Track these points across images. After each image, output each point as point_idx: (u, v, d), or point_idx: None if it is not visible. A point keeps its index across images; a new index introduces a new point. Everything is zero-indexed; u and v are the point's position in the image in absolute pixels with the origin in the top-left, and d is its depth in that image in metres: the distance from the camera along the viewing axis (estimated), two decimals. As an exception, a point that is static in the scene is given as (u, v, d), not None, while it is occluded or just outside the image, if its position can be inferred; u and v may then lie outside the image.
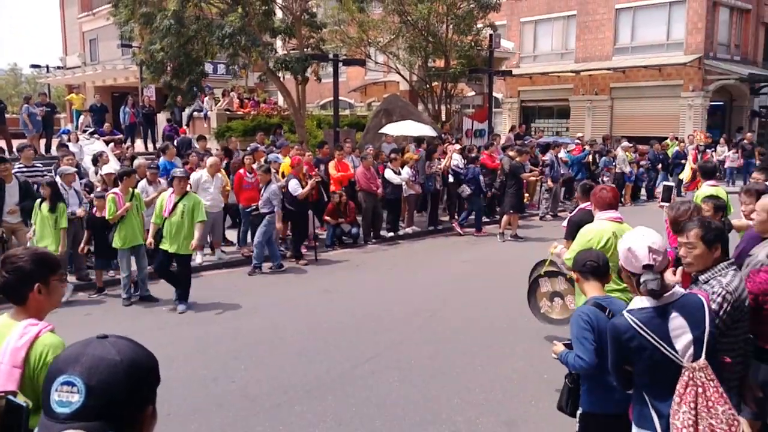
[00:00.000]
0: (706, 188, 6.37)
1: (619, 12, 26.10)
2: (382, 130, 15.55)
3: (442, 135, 16.66)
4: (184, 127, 19.80)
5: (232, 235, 11.69)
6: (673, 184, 14.42)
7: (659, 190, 16.22)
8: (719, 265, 3.19)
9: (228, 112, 19.80)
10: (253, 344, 6.83)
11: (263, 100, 22.79)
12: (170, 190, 8.40)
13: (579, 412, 3.46)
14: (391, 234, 12.80)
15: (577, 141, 17.98)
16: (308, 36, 16.63)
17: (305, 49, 15.91)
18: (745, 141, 21.43)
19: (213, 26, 14.02)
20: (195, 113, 20.27)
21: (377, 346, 6.73)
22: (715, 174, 7.17)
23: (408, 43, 19.85)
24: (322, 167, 12.39)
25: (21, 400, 1.84)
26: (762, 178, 6.64)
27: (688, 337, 2.77)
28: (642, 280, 2.83)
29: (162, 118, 19.88)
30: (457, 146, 14.76)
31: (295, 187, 10.59)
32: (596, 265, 3.52)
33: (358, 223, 12.32)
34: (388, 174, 12.51)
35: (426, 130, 15.39)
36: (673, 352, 2.76)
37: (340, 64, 16.45)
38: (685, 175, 16.24)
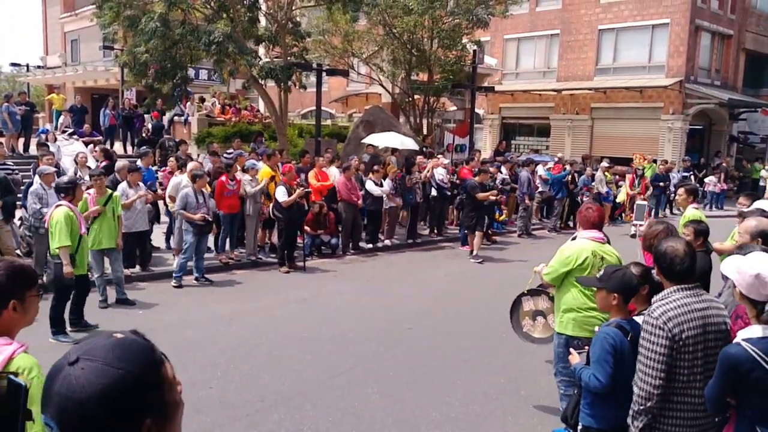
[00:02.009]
0: (692, 211, 6.43)
1: (602, 33, 26.49)
2: (364, 140, 15.57)
3: (424, 148, 16.71)
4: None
5: (209, 241, 11.54)
6: (645, 203, 14.66)
7: (634, 209, 16.51)
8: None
9: (208, 118, 19.67)
10: (231, 351, 6.74)
11: (245, 107, 22.70)
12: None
13: (579, 427, 3.49)
14: (370, 246, 12.77)
15: (556, 159, 18.17)
16: (292, 45, 16.64)
17: (288, 58, 15.90)
18: (725, 165, 21.84)
19: (200, 31, 13.95)
20: (176, 118, 20.12)
21: (355, 357, 6.68)
22: (697, 195, 7.25)
23: (392, 56, 19.94)
24: (302, 176, 12.34)
25: (21, 379, 1.77)
26: (747, 203, 6.76)
27: None
28: None
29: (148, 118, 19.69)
30: (444, 160, 14.81)
31: (282, 194, 10.53)
32: (631, 287, 3.49)
33: (337, 234, 12.27)
34: (369, 186, 12.49)
35: (408, 143, 15.43)
36: None
37: (324, 73, 16.47)
38: (621, 197, 16.46)
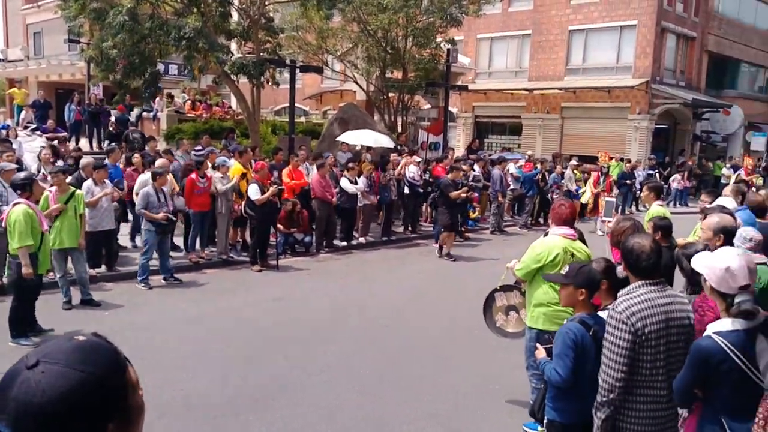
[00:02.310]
0: (657, 208, 6.54)
1: (572, 33, 26.83)
2: (340, 138, 15.50)
3: (399, 146, 16.71)
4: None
5: (178, 240, 11.37)
6: (614, 199, 14.90)
7: (602, 205, 16.71)
8: None
9: (178, 114, 19.36)
10: (200, 352, 6.64)
11: (216, 103, 22.41)
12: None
13: (545, 420, 3.54)
14: (345, 243, 12.72)
15: (526, 156, 18.34)
16: (265, 40, 16.46)
17: (261, 54, 15.73)
18: (690, 163, 22.29)
19: (169, 26, 13.69)
20: (144, 113, 19.76)
21: (328, 356, 6.63)
22: (661, 193, 7.38)
23: (366, 53, 19.88)
24: (275, 173, 12.22)
25: None
26: (709, 200, 6.89)
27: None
28: (737, 300, 2.80)
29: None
30: (416, 158, 14.82)
31: (255, 192, 10.41)
32: (596, 282, 3.56)
33: (310, 232, 12.19)
34: (344, 183, 12.44)
35: (382, 140, 15.40)
36: (759, 376, 2.77)
37: (297, 70, 16.34)
38: (586, 198, 16.68)
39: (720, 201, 6.17)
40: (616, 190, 18.09)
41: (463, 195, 12.31)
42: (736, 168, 23.25)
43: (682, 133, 27.91)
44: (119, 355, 1.23)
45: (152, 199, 9.22)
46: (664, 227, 5.21)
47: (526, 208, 16.37)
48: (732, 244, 4.27)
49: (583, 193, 17.17)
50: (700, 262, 3.04)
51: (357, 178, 12.67)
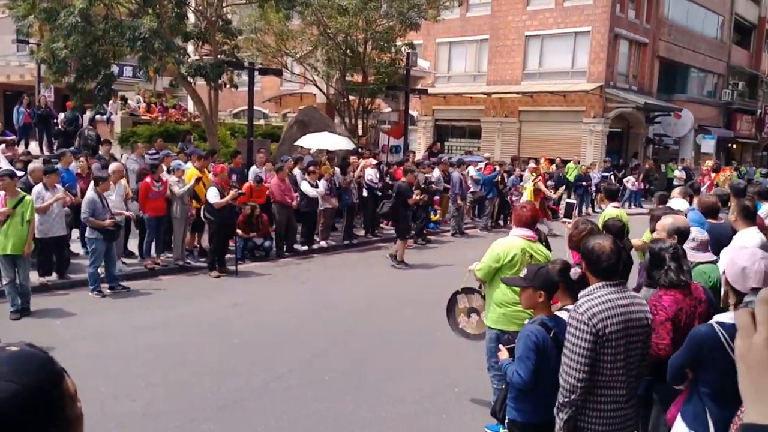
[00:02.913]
0: (612, 209, 6.67)
1: (529, 39, 27.27)
2: (297, 142, 15.38)
3: (359, 149, 16.69)
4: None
5: (133, 246, 11.10)
6: (574, 201, 15.15)
7: (561, 207, 16.95)
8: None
9: (133, 117, 18.92)
10: (157, 360, 6.47)
11: (172, 105, 22.00)
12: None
13: (506, 420, 3.57)
14: (305, 247, 12.61)
15: (485, 159, 18.53)
16: (222, 42, 16.24)
17: (219, 56, 15.51)
18: (647, 166, 22.87)
19: (123, 27, 13.37)
20: (98, 116, 19.25)
21: (290, 361, 6.55)
22: (617, 196, 7.54)
23: (326, 56, 19.82)
24: (234, 177, 12.05)
25: None
26: (657, 203, 7.09)
27: None
28: (746, 300, 2.94)
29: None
30: (372, 161, 14.80)
31: (214, 195, 10.23)
32: (555, 284, 3.61)
33: (270, 236, 12.05)
34: (305, 187, 12.33)
35: (342, 143, 15.35)
36: None
37: (256, 72, 16.17)
38: (524, 199, 16.90)
39: (672, 203, 6.33)
40: (558, 191, 18.24)
41: (419, 199, 12.16)
42: (687, 170, 23.95)
43: (635, 136, 28.65)
44: (55, 365, 1.16)
45: (98, 206, 8.89)
46: (615, 229, 5.30)
47: (486, 210, 16.53)
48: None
49: (524, 189, 17.40)
50: (727, 255, 3.28)
51: (317, 182, 12.58)
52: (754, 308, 0.91)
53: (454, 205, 15.36)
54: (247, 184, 11.89)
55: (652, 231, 4.96)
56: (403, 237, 11.57)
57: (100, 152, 13.43)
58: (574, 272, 3.60)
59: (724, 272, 3.18)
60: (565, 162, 21.59)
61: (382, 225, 14.94)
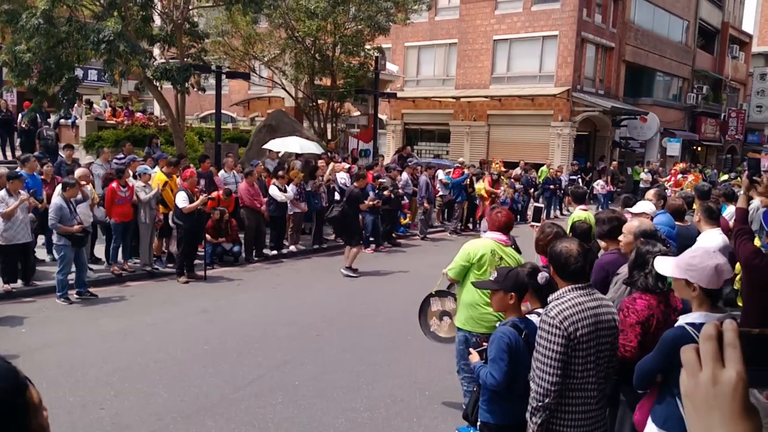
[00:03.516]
0: (579, 212, 6.78)
1: (497, 43, 27.56)
2: (266, 146, 15.30)
3: (328, 153, 16.67)
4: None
5: (100, 251, 10.91)
6: (542, 205, 15.32)
7: (530, 211, 17.13)
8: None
9: (98, 121, 18.60)
10: (125, 368, 6.37)
11: (138, 109, 21.68)
12: None
13: (478, 422, 3.59)
14: (275, 252, 12.54)
15: (458, 164, 18.63)
16: (189, 45, 16.07)
17: (185, 59, 15.34)
18: (611, 168, 23.27)
19: (88, 29, 13.14)
20: (62, 120, 18.88)
21: (260, 368, 6.51)
22: (584, 199, 7.66)
23: (294, 59, 19.75)
24: (203, 182, 11.93)
25: None
26: (622, 207, 7.23)
27: None
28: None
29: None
30: (344, 165, 14.79)
31: (183, 200, 10.11)
32: (525, 286, 3.65)
33: (239, 241, 11.96)
34: (273, 191, 12.27)
35: (311, 147, 15.31)
36: None
37: (223, 76, 16.04)
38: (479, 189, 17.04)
39: (640, 205, 6.44)
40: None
41: (372, 204, 12.07)
42: (653, 173, 24.44)
43: (602, 139, 29.12)
44: (18, 374, 1.14)
45: (65, 212, 8.73)
46: (581, 231, 5.38)
47: (455, 213, 16.64)
48: None
49: (512, 199, 17.55)
50: (680, 270, 3.10)
51: (286, 186, 12.53)
52: (699, 344, 0.91)
53: (420, 209, 15.41)
54: (216, 193, 11.79)
55: (599, 235, 5.02)
56: (354, 243, 11.13)
57: (59, 153, 13.16)
58: (542, 277, 3.65)
59: (689, 284, 3.10)
60: (537, 166, 21.87)
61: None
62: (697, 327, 2.95)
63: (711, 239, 5.42)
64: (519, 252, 5.12)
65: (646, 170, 24.87)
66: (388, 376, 6.39)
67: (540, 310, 3.39)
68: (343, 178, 14.05)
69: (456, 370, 5.20)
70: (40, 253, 10.39)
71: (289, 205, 12.58)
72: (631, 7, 29.11)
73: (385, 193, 13.74)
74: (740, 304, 7.63)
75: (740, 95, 43.42)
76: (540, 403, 3.05)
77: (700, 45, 36.82)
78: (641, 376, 3.16)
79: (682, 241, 5.98)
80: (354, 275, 10.99)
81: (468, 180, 16.62)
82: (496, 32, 27.42)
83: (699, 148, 37.63)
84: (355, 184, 11.95)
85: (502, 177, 17.45)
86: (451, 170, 17.39)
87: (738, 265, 5.09)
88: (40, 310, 8.42)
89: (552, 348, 3.04)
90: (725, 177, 24.88)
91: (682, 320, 3.09)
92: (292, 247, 13.02)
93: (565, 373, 3.05)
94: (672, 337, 3.02)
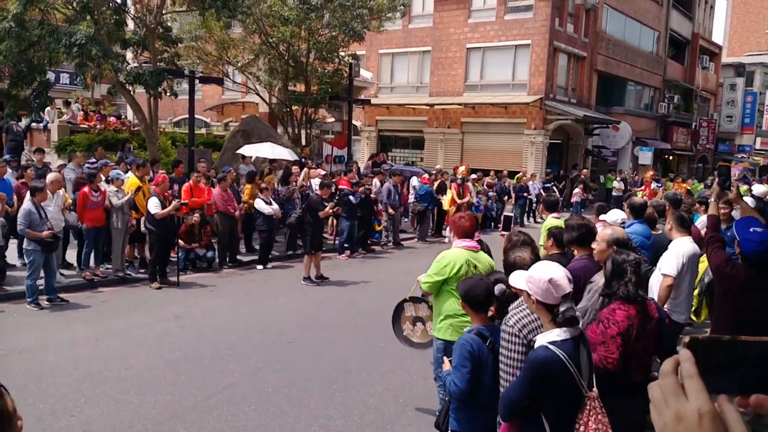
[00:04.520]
0: (552, 220, 6.90)
1: (470, 51, 27.82)
2: (239, 151, 15.26)
3: (302, 159, 16.68)
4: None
5: (71, 257, 10.78)
6: (512, 214, 15.53)
7: (502, 219, 17.35)
8: None
9: (70, 125, 18.36)
10: (96, 375, 6.33)
11: (112, 113, 21.43)
12: None
13: (449, 431, 3.62)
14: (249, 258, 12.49)
15: (434, 171, 18.77)
16: (162, 50, 15.98)
17: (159, 63, 15.25)
18: (582, 176, 23.62)
19: (60, 33, 13.00)
20: (33, 124, 18.61)
21: (232, 375, 6.51)
22: (557, 207, 7.77)
23: (268, 65, 19.74)
24: (176, 187, 11.86)
25: None
26: (596, 215, 7.38)
27: (588, 367, 2.93)
28: (562, 309, 2.85)
29: None
30: (320, 171, 14.80)
31: (155, 206, 10.03)
32: (483, 298, 3.66)
33: (213, 247, 11.90)
34: (260, 205, 12.07)
35: (285, 154, 15.31)
36: (584, 383, 2.88)
37: (197, 81, 15.98)
38: (445, 202, 17.26)
39: (611, 213, 6.54)
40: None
41: (331, 212, 12.03)
42: (626, 181, 24.84)
43: (574, 147, 29.51)
44: None
45: (35, 217, 8.62)
46: (555, 235, 5.47)
47: (425, 221, 16.73)
48: None
49: (486, 206, 17.72)
50: (519, 279, 3.09)
51: (271, 199, 12.40)
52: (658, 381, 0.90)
53: (385, 215, 15.45)
54: (185, 187, 11.70)
55: (567, 241, 5.10)
56: (311, 251, 10.99)
57: (33, 159, 13.00)
58: (499, 289, 3.70)
59: (529, 295, 3.00)
60: (512, 174, 22.07)
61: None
62: (558, 345, 2.84)
63: (682, 247, 5.54)
64: (489, 253, 5.15)
65: (618, 179, 25.28)
66: (362, 383, 6.43)
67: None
68: (317, 184, 14.05)
69: (433, 377, 5.24)
70: (11, 257, 10.23)
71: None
72: (602, 17, 29.62)
73: (360, 189, 13.80)
74: (703, 314, 7.86)
75: (711, 105, 44.29)
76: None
77: (671, 55, 37.47)
78: (509, 406, 2.98)
79: (654, 250, 6.13)
80: (315, 283, 10.86)
81: (436, 187, 16.70)
82: (469, 40, 27.69)
83: (671, 157, 38.25)
84: (317, 192, 11.82)
85: (470, 182, 17.56)
86: (425, 177, 17.53)
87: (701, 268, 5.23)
88: (11, 315, 8.30)
89: (514, 357, 3.10)
90: (701, 186, 25.42)
91: (543, 339, 2.92)
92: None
93: None
94: (540, 359, 2.84)
